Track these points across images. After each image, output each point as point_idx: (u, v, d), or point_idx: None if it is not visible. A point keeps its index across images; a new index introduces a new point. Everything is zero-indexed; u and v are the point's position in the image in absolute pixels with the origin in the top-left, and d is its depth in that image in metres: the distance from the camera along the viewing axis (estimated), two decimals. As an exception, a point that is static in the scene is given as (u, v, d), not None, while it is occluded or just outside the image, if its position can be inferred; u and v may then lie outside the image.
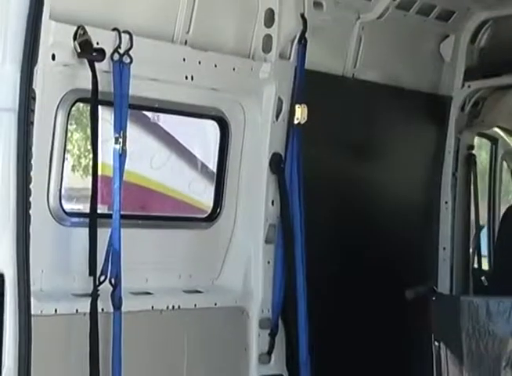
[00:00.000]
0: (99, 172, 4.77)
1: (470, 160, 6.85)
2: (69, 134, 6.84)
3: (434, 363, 5.40)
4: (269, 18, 5.36)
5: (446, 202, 6.69)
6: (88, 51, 4.47)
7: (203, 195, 5.73)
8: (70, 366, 4.51)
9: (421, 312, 5.44)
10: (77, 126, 5.13)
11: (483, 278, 6.81)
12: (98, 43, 4.50)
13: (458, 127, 6.69)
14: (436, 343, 5.40)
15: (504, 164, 8.08)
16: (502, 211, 7.26)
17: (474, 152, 6.92)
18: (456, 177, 6.73)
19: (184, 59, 4.97)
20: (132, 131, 5.42)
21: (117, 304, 4.58)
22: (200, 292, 5.23)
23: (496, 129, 7.92)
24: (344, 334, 5.68)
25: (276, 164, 5.41)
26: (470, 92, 6.65)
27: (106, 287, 4.56)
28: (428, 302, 5.47)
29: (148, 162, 6.73)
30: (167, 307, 4.98)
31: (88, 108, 4.64)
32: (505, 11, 6.40)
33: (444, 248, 6.68)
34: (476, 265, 6.95)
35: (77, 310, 4.53)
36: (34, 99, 4.23)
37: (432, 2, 6.20)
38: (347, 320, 5.72)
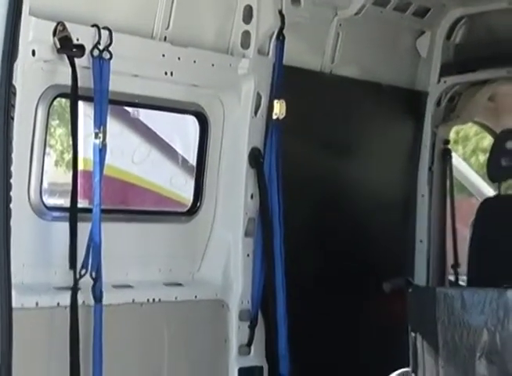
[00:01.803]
0: (81, 167, 4.77)
1: (446, 154, 6.87)
2: (52, 129, 6.83)
3: (411, 353, 5.41)
4: (248, 14, 5.35)
5: (423, 195, 6.71)
6: (67, 47, 4.45)
7: (183, 189, 5.71)
8: (51, 359, 4.49)
9: (398, 304, 5.43)
10: (60, 122, 5.10)
11: (459, 270, 6.81)
12: (78, 39, 4.49)
13: (434, 121, 6.71)
14: (412, 334, 5.41)
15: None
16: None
17: (449, 146, 6.91)
18: (432, 171, 6.74)
19: (163, 55, 4.95)
20: (113, 126, 5.40)
21: (98, 297, 4.57)
22: (180, 285, 5.23)
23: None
24: (323, 325, 5.69)
25: (255, 158, 5.41)
26: (445, 87, 6.67)
27: (87, 281, 4.55)
28: (405, 294, 5.47)
29: (129, 157, 6.71)
30: (148, 300, 4.97)
31: (70, 104, 4.62)
32: (479, 8, 6.42)
33: (420, 241, 6.71)
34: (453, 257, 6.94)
35: (58, 303, 4.51)
36: (15, 94, 4.22)
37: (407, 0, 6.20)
38: (326, 312, 5.73)
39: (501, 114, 7.67)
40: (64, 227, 4.55)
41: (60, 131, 5.60)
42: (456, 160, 8.21)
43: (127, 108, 6.02)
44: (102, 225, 4.56)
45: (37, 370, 4.41)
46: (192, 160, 5.50)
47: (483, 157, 10.35)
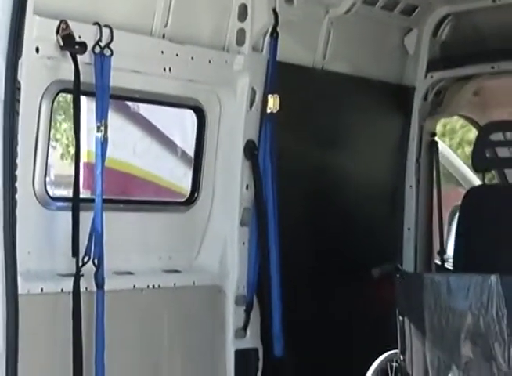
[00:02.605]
0: (85, 159, 4.79)
1: (433, 146, 6.87)
2: (57, 124, 6.84)
3: (399, 336, 5.43)
4: (242, 13, 5.34)
5: (411, 186, 6.71)
6: (70, 44, 4.45)
7: (182, 180, 5.71)
8: (55, 343, 4.49)
9: (387, 289, 5.44)
10: (66, 117, 5.10)
11: (445, 256, 6.81)
12: (80, 37, 4.48)
13: (421, 115, 6.71)
14: (400, 317, 5.42)
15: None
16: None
17: (436, 138, 6.92)
18: (419, 162, 6.74)
19: (162, 52, 4.95)
20: (116, 120, 5.40)
21: (100, 283, 4.57)
22: (178, 272, 5.22)
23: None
24: (316, 308, 5.71)
25: (250, 150, 5.40)
26: (432, 82, 6.67)
27: (89, 268, 4.54)
28: (393, 280, 5.48)
29: (130, 149, 6.72)
30: (148, 286, 4.97)
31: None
32: (464, 6, 6.40)
33: (408, 229, 6.71)
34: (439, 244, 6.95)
35: (62, 289, 4.51)
36: (20, 89, 4.23)
37: None
38: (318, 296, 5.75)
39: (485, 108, 7.67)
40: (68, 216, 4.54)
41: (66, 126, 5.61)
42: (445, 151, 8.23)
43: (128, 103, 6.02)
44: (103, 214, 4.55)
45: (42, 353, 4.41)
46: (191, 152, 5.48)
47: (469, 149, 10.33)
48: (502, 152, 6.53)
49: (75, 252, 4.50)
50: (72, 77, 4.48)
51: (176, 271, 5.21)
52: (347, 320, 5.81)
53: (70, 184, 4.62)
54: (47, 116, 4.59)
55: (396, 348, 5.44)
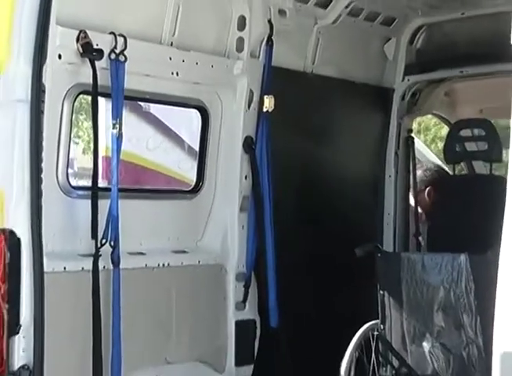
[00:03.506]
0: (103, 153, 4.78)
1: (410, 141, 6.86)
2: (79, 123, 6.83)
3: (380, 308, 5.43)
4: (241, 23, 5.31)
5: (390, 176, 6.71)
6: (89, 51, 4.44)
7: (188, 171, 5.70)
8: (77, 315, 4.48)
9: (369, 267, 5.43)
10: (87, 116, 5.08)
11: (420, 238, 6.80)
12: (97, 45, 4.46)
13: (399, 114, 6.69)
14: (381, 292, 5.43)
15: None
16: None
17: (412, 134, 6.91)
18: (397, 156, 6.73)
19: (170, 58, 4.92)
20: (130, 119, 5.38)
21: (116, 262, 4.56)
22: (185, 252, 5.20)
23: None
24: (306, 284, 5.70)
25: (248, 145, 5.37)
26: (409, 84, 6.66)
27: (106, 249, 4.53)
28: (374, 258, 5.47)
29: (143, 144, 6.70)
30: (158, 265, 4.96)
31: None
32: (437, 18, 6.40)
33: (388, 214, 6.71)
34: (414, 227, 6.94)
35: (82, 268, 4.50)
36: (44, 91, 4.21)
37: (377, 10, 6.17)
38: (309, 273, 5.75)
39: (455, 107, 7.66)
40: (88, 204, 4.53)
41: (86, 124, 5.58)
42: (420, 146, 8.23)
43: (140, 103, 6.01)
44: (119, 201, 4.53)
45: (65, 324, 4.39)
46: (196, 146, 5.46)
47: (441, 144, 10.33)
48: (470, 146, 6.51)
49: (94, 235, 4.50)
50: (90, 81, 4.47)
51: (183, 251, 5.19)
52: (335, 293, 5.81)
53: (91, 175, 4.62)
54: (68, 115, 4.57)
55: (377, 319, 5.43)
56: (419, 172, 6.87)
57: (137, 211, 4.90)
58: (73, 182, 4.76)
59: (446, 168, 7.20)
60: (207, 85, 5.24)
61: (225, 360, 5.29)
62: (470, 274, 5.14)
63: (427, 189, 6.80)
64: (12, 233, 4.10)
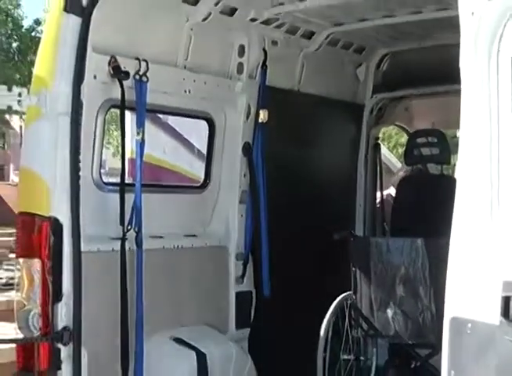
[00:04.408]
0: (129, 156, 4.76)
1: (377, 147, 6.86)
2: (110, 131, 6.81)
3: (352, 281, 5.44)
4: (241, 51, 5.31)
5: (361, 175, 6.71)
6: (118, 73, 4.42)
7: (198, 170, 5.69)
8: (107, 287, 4.47)
9: (344, 248, 5.44)
10: (116, 126, 5.08)
11: (385, 225, 6.81)
12: (125, 67, 4.45)
13: (368, 125, 6.69)
14: (353, 268, 5.44)
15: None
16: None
17: (379, 142, 6.91)
18: (367, 158, 6.73)
19: (183, 79, 4.92)
20: (151, 128, 5.38)
21: (139, 244, 4.54)
22: (195, 236, 5.19)
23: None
24: (294, 262, 5.65)
25: (246, 149, 5.37)
26: (376, 101, 6.66)
27: (132, 233, 4.52)
28: (349, 241, 5.48)
29: (161, 149, 6.68)
30: (173, 246, 4.95)
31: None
32: (398, 47, 6.38)
33: (359, 205, 6.71)
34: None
35: (112, 249, 4.49)
36: (82, 106, 4.21)
37: (350, 41, 6.16)
38: (296, 253, 5.70)
39: (413, 120, 7.65)
40: (116, 196, 4.51)
41: (116, 133, 5.57)
42: (385, 151, 8.23)
43: (159, 115, 5.99)
44: (142, 195, 4.53)
45: (98, 295, 4.37)
46: (204, 150, 5.45)
47: (401, 150, 10.32)
48: (425, 151, 6.51)
49: (122, 222, 4.48)
50: (119, 97, 4.46)
51: (194, 235, 5.18)
52: (317, 269, 5.81)
53: (119, 173, 4.62)
54: (101, 125, 4.56)
55: (350, 291, 5.44)
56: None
57: (156, 203, 4.89)
58: (105, 179, 4.74)
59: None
60: (214, 101, 5.23)
61: (227, 324, 5.29)
62: (425, 255, 5.15)
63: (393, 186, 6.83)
64: (55, 219, 4.11)
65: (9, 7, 27.61)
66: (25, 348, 4.16)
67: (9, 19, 27.23)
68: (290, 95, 5.80)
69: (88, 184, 4.41)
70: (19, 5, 28.56)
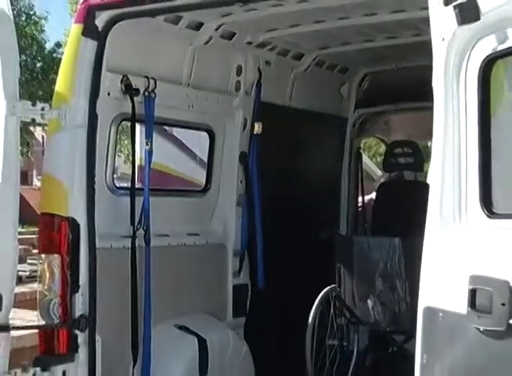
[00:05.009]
0: (138, 163, 4.78)
1: (359, 156, 6.86)
2: (122, 141, 6.78)
3: (337, 275, 5.44)
4: (239, 70, 5.31)
5: (345, 181, 6.70)
6: (129, 90, 4.43)
7: (200, 176, 5.67)
8: (119, 279, 4.46)
9: (330, 246, 5.44)
10: (127, 137, 5.08)
11: (366, 225, 6.81)
12: (135, 85, 4.46)
13: (351, 136, 6.68)
14: (338, 264, 5.43)
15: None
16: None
17: (360, 151, 6.90)
18: (350, 166, 6.73)
19: (187, 95, 4.92)
20: (158, 139, 5.37)
21: (147, 242, 4.53)
22: (197, 235, 5.17)
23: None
24: (285, 258, 5.62)
25: (243, 158, 5.36)
26: (358, 115, 6.66)
27: (141, 232, 4.52)
28: (334, 240, 5.48)
29: (168, 157, 6.66)
30: (178, 244, 4.94)
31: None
32: (378, 68, 6.38)
33: (344, 207, 6.70)
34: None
35: (123, 246, 4.48)
36: (97, 119, 4.22)
37: (335, 63, 6.17)
38: (287, 250, 5.65)
39: (391, 132, 7.69)
40: (127, 199, 4.52)
41: (127, 142, 5.56)
42: (366, 159, 8.24)
43: (166, 127, 5.98)
44: (150, 198, 4.52)
45: (111, 287, 4.37)
46: (205, 158, 5.44)
47: (380, 158, 10.33)
48: (401, 160, 6.54)
49: (132, 222, 4.48)
50: (130, 111, 4.46)
51: (196, 234, 5.16)
52: (305, 264, 5.78)
53: (130, 178, 4.61)
54: (114, 136, 4.56)
55: (335, 284, 5.44)
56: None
57: (162, 205, 4.88)
58: (117, 183, 4.73)
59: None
60: (214, 115, 5.23)
61: (225, 313, 5.27)
62: (401, 252, 5.16)
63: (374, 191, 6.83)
64: (73, 219, 4.12)
65: (34, 32, 28.26)
66: (46, 333, 4.16)
67: (34, 42, 27.88)
68: (282, 110, 5.81)
69: (102, 188, 4.41)
70: (43, 30, 29.25)
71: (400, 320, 5.16)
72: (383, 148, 9.04)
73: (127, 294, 4.42)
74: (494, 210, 2.72)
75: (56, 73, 4.39)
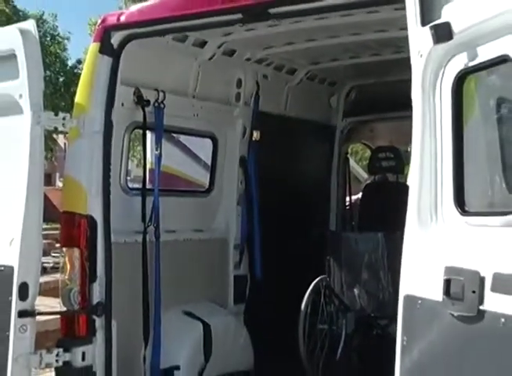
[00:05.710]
0: (149, 166, 4.77)
1: (346, 160, 6.85)
2: (134, 147, 6.79)
3: (327, 267, 5.44)
4: (239, 83, 5.32)
5: (334, 183, 6.69)
6: (141, 101, 4.46)
7: (204, 178, 5.67)
8: (132, 271, 4.48)
9: (321, 241, 5.44)
10: (139, 142, 5.09)
11: (353, 223, 6.80)
12: (146, 97, 4.48)
13: (340, 143, 6.68)
14: (328, 257, 5.44)
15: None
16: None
17: (348, 156, 6.90)
18: (339, 169, 6.72)
19: (193, 105, 4.94)
20: (167, 145, 5.38)
21: (157, 237, 4.55)
22: (202, 231, 5.18)
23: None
24: (281, 252, 5.62)
25: (243, 162, 5.37)
26: (346, 123, 6.66)
27: (151, 228, 4.53)
28: (324, 236, 5.48)
29: (175, 161, 6.66)
30: (184, 239, 4.94)
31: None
32: (363, 82, 6.38)
33: (333, 207, 6.68)
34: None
35: (136, 240, 4.50)
36: (112, 126, 4.23)
37: (325, 77, 6.18)
38: (283, 245, 5.66)
39: (375, 139, 7.66)
40: (139, 199, 4.54)
41: (139, 148, 5.58)
42: (353, 163, 8.23)
43: (173, 134, 5.99)
44: (159, 198, 4.54)
45: (124, 278, 4.38)
46: (209, 162, 5.44)
47: (365, 162, 10.31)
48: (385, 163, 6.54)
49: (143, 219, 4.50)
50: (142, 120, 4.48)
51: (200, 230, 5.16)
52: (299, 257, 5.77)
53: (141, 180, 4.61)
54: (127, 142, 4.58)
55: (325, 274, 5.45)
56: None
57: (171, 204, 4.88)
58: (130, 185, 4.75)
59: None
60: (216, 123, 5.24)
61: (227, 300, 5.28)
62: (384, 246, 5.17)
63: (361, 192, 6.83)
64: (91, 217, 4.13)
65: (58, 51, 29.25)
66: (68, 318, 4.18)
67: (57, 59, 28.86)
68: (278, 119, 5.81)
69: (116, 189, 4.42)
70: (65, 49, 30.05)
71: (383, 307, 5.16)
72: (368, 153, 9.03)
73: (139, 283, 4.43)
74: (466, 208, 2.74)
75: (77, 86, 4.40)
